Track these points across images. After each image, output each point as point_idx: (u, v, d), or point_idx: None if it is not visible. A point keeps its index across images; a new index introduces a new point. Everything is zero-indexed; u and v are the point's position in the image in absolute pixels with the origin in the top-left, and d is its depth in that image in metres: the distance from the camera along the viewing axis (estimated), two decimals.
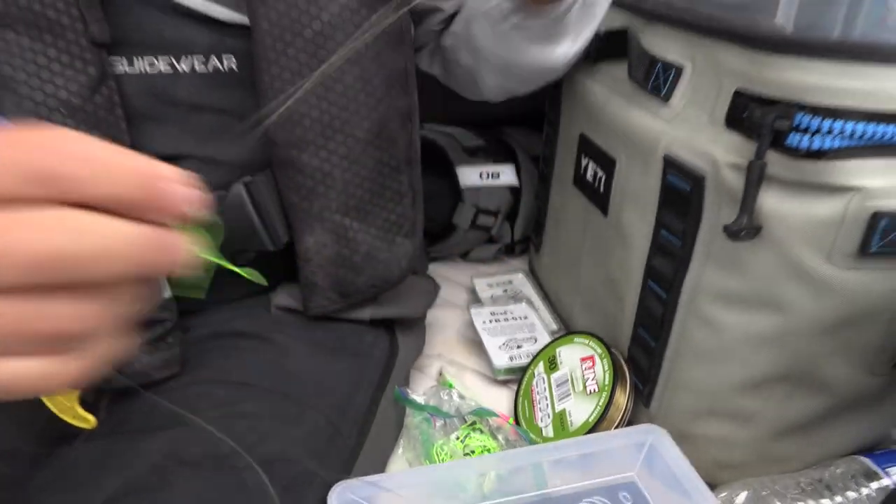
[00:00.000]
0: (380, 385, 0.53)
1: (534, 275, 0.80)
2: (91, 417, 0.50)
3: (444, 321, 0.73)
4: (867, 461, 0.48)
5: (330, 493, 0.42)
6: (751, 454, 0.49)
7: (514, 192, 0.80)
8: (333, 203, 0.50)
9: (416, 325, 0.64)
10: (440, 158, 0.79)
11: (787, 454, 0.48)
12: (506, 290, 0.76)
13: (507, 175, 0.79)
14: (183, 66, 0.46)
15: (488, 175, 0.78)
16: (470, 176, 0.78)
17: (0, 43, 0.41)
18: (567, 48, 0.55)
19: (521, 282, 0.78)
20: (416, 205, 0.55)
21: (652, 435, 0.46)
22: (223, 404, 0.44)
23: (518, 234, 0.82)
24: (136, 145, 0.46)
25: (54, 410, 0.50)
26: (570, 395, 0.55)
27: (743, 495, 0.45)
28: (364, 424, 0.49)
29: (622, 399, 0.52)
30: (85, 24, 0.42)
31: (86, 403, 0.50)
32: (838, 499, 0.46)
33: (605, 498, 0.44)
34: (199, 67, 0.47)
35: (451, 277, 0.81)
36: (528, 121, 0.87)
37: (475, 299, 0.76)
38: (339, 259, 0.52)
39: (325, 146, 0.48)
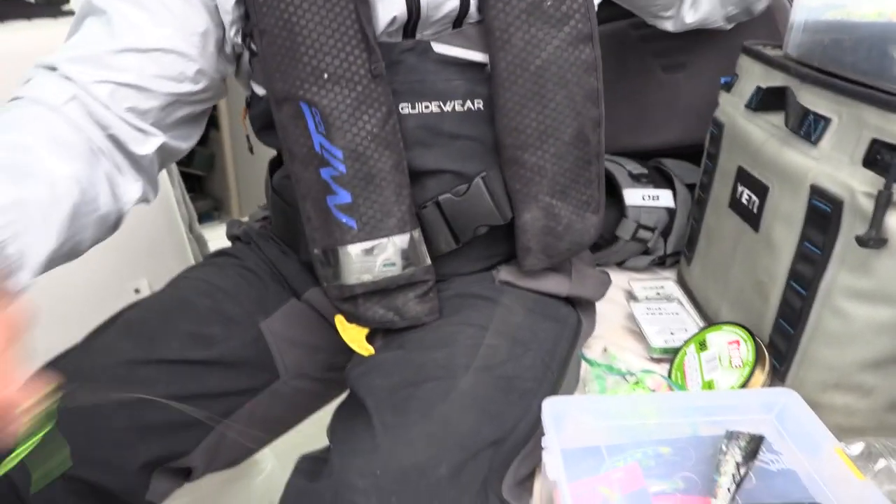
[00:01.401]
0: (572, 343, 0.71)
1: (682, 283, 0.95)
2: (371, 348, 0.72)
3: (605, 313, 0.90)
4: None
5: (544, 403, 0.60)
6: (869, 421, 0.61)
7: (670, 212, 0.96)
8: (545, 188, 0.68)
9: (591, 309, 0.81)
10: (609, 182, 0.96)
11: None
12: (658, 293, 0.92)
13: (664, 198, 0.96)
14: (447, 108, 0.67)
15: (649, 197, 0.95)
16: (634, 197, 0.95)
17: (331, 94, 0.62)
18: None
19: (672, 287, 0.93)
20: (601, 188, 0.72)
21: (786, 395, 0.61)
22: (472, 337, 0.64)
23: (670, 249, 0.97)
24: (412, 164, 0.67)
25: (345, 338, 0.73)
26: (717, 368, 0.70)
27: (858, 446, 0.58)
28: (563, 367, 0.68)
29: (762, 372, 0.67)
30: (382, 76, 0.63)
31: (368, 336, 0.73)
32: None
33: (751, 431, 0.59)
34: (458, 108, 0.67)
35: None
36: (682, 155, 1.02)
37: (632, 297, 0.92)
38: (547, 229, 0.69)
39: (541, 147, 0.66)
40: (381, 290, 0.67)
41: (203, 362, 0.69)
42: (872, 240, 0.54)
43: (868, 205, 0.55)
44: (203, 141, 2.11)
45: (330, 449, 0.58)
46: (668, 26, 0.88)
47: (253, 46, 0.65)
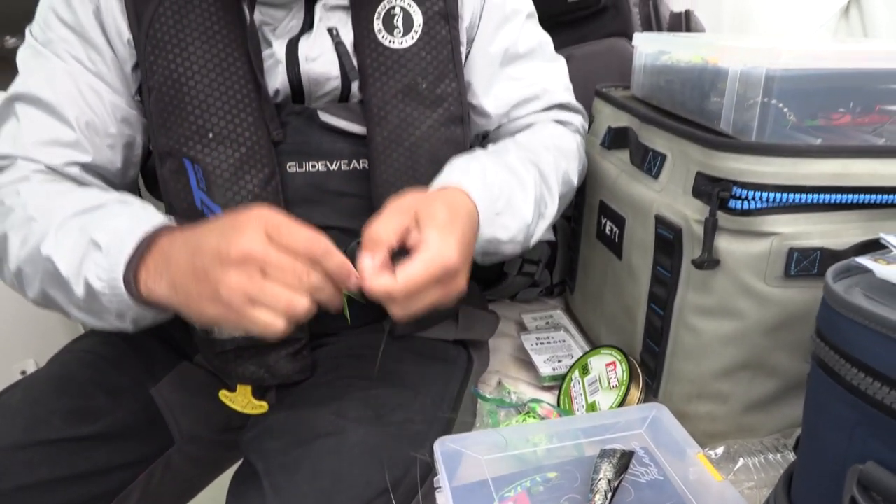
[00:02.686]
0: (463, 383, 0.74)
1: (568, 310, 1.01)
2: (264, 404, 0.72)
3: (499, 346, 0.94)
4: None
5: (435, 444, 0.62)
6: (729, 425, 0.67)
7: (552, 245, 1.02)
8: None
9: (483, 347, 0.85)
10: None
11: (755, 424, 0.67)
12: (547, 322, 0.97)
13: (545, 233, 1.01)
14: (333, 167, 0.70)
15: None
16: None
17: (215, 153, 0.65)
18: (477, 258, 0.68)
19: (559, 316, 0.99)
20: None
21: (655, 409, 0.66)
22: (364, 389, 0.66)
23: (556, 279, 1.03)
24: (299, 220, 0.69)
25: (236, 408, 0.73)
26: (598, 390, 0.75)
27: (720, 449, 0.64)
28: (454, 407, 0.70)
29: (636, 390, 0.72)
30: (269, 133, 0.66)
31: (256, 394, 0.73)
32: (791, 455, 0.65)
33: (623, 448, 0.63)
34: (344, 167, 0.70)
35: (503, 314, 1.01)
36: None
37: (523, 329, 0.96)
38: None
39: None
40: (253, 346, 0.68)
41: (89, 437, 0.66)
42: (706, 262, 0.60)
43: (700, 230, 0.62)
44: None
45: None
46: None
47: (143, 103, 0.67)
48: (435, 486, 0.59)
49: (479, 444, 0.65)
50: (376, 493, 0.56)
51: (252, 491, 0.56)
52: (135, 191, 0.73)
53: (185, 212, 0.66)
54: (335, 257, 0.51)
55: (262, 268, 0.48)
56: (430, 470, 0.62)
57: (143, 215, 0.57)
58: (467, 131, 0.72)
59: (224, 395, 0.72)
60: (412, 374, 0.69)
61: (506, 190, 0.65)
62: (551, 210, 0.72)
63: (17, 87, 0.64)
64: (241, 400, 0.73)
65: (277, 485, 0.55)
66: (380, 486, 0.57)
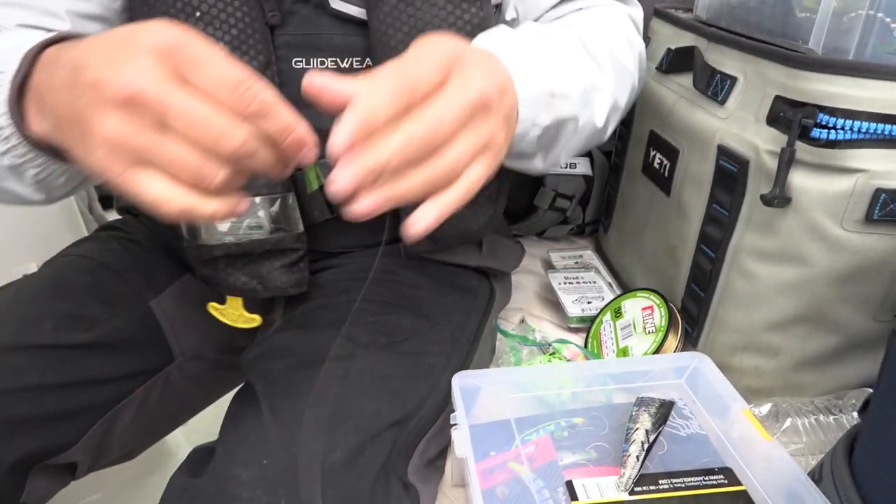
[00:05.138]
0: (484, 315, 0.68)
1: (599, 251, 0.94)
2: (257, 317, 0.67)
3: (524, 284, 0.88)
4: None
5: (454, 378, 0.57)
6: (776, 382, 0.62)
7: (588, 180, 0.94)
8: None
9: (506, 279, 0.79)
10: None
11: (806, 383, 0.61)
12: (576, 262, 0.91)
13: (582, 166, 0.94)
14: (345, 65, 0.62)
15: (567, 165, 0.93)
16: None
17: (202, 35, 0.57)
18: (539, 163, 0.59)
19: (590, 256, 0.92)
20: (500, 175, 0.63)
21: (697, 359, 0.60)
22: (377, 314, 0.60)
23: (588, 217, 0.96)
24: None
25: (227, 322, 0.68)
26: (631, 335, 0.69)
27: (766, 407, 0.59)
28: (474, 340, 0.65)
29: (674, 337, 0.66)
30: (263, 14, 0.58)
31: (258, 307, 0.68)
32: (844, 418, 0.59)
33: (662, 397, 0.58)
34: (356, 65, 0.62)
35: (529, 251, 0.95)
36: None
37: (550, 267, 0.90)
38: None
39: None
40: (245, 254, 0.62)
41: (81, 346, 0.62)
42: (777, 198, 0.53)
43: (772, 163, 0.54)
44: None
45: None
46: None
47: None
48: (451, 422, 0.54)
49: (500, 382, 0.59)
50: (385, 425, 0.51)
51: (249, 413, 0.52)
52: None
53: None
54: (279, 115, 0.36)
55: (159, 116, 0.34)
56: (444, 405, 0.58)
57: (39, 35, 0.43)
58: (487, 11, 0.60)
59: (213, 307, 0.66)
60: (430, 301, 0.64)
61: (545, 49, 0.53)
62: (608, 83, 0.58)
63: None
64: (232, 313, 0.67)
65: (277, 408, 0.50)
66: (388, 419, 0.52)
